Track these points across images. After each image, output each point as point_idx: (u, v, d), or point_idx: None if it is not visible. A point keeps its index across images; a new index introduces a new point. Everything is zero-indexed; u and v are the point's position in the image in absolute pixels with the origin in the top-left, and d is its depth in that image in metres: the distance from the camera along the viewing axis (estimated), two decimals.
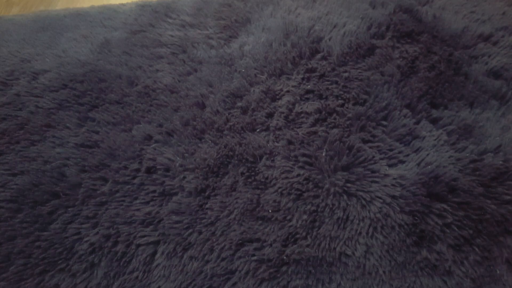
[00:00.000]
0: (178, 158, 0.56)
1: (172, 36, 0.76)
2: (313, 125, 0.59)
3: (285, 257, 0.47)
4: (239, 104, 0.63)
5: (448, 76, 0.63)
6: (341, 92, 0.63)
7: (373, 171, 0.53)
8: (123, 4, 0.86)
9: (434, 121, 0.58)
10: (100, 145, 0.59)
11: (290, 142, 0.58)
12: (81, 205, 0.53)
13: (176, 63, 0.70)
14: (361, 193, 0.51)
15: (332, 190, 0.51)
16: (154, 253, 0.49)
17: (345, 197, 0.50)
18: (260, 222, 0.50)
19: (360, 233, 0.48)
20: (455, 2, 0.77)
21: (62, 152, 0.59)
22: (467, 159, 0.53)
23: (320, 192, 0.51)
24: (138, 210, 0.52)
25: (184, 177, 0.55)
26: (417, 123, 0.58)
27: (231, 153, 0.57)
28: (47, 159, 0.58)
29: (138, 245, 0.50)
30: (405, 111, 0.59)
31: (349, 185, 0.51)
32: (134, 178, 0.55)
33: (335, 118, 0.59)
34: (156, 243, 0.50)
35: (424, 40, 0.69)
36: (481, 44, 0.67)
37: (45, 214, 0.53)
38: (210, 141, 0.59)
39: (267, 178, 0.54)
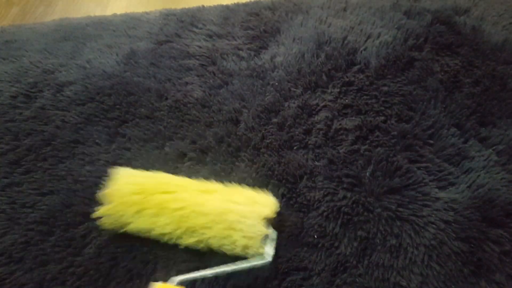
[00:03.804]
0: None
1: (200, 47, 0.73)
2: (354, 143, 0.57)
3: None
4: (274, 120, 0.61)
5: (495, 92, 0.60)
6: (382, 108, 0.60)
7: (424, 194, 0.50)
8: (146, 13, 0.84)
9: (483, 140, 0.56)
10: (133, 163, 0.56)
11: (331, 161, 0.55)
12: None
13: (206, 76, 0.68)
14: (413, 218, 0.48)
15: (384, 214, 0.48)
16: (195, 280, 0.47)
17: (398, 222, 0.48)
18: (305, 248, 0.48)
19: (414, 262, 0.45)
20: (493, 12, 0.74)
21: (92, 170, 0.56)
22: None
23: (371, 216, 0.48)
24: None
25: None
26: (465, 142, 0.55)
27: (270, 172, 0.55)
28: (77, 178, 0.56)
29: (178, 271, 0.47)
30: (453, 129, 0.56)
31: (401, 209, 0.49)
32: None
33: (377, 136, 0.57)
34: (196, 269, 0.47)
35: (464, 53, 0.67)
36: None
37: (78, 238, 0.50)
38: (247, 160, 0.56)
39: (309, 200, 0.52)
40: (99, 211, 0.47)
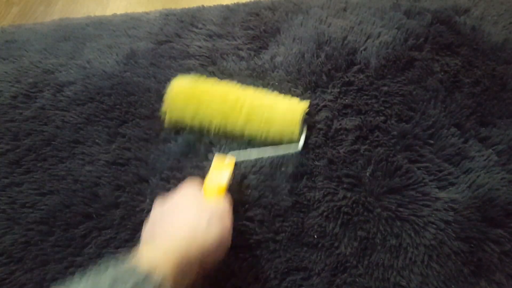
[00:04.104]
0: None
1: (200, 47, 0.73)
2: (354, 143, 0.57)
3: None
4: None
5: (495, 92, 0.60)
6: (382, 108, 0.60)
7: (424, 194, 0.50)
8: (146, 13, 0.84)
9: (483, 140, 0.56)
10: (133, 163, 0.56)
11: (331, 161, 0.55)
12: (117, 226, 0.50)
13: (206, 76, 0.68)
14: (413, 218, 0.48)
15: (384, 214, 0.48)
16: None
17: (398, 222, 0.48)
18: (305, 248, 0.48)
19: (414, 262, 0.45)
20: (493, 12, 0.74)
21: (92, 170, 0.56)
22: None
23: (371, 216, 0.48)
24: None
25: None
26: (465, 142, 0.55)
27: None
28: (77, 178, 0.56)
29: None
30: (453, 129, 0.56)
31: (401, 209, 0.49)
32: None
33: (377, 136, 0.57)
34: None
35: (464, 53, 0.67)
36: None
37: (78, 238, 0.50)
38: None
39: (309, 200, 0.52)
40: (164, 107, 0.57)
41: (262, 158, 0.54)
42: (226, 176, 0.47)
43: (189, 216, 0.38)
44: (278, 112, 0.53)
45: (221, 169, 0.48)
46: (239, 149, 0.56)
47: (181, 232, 0.37)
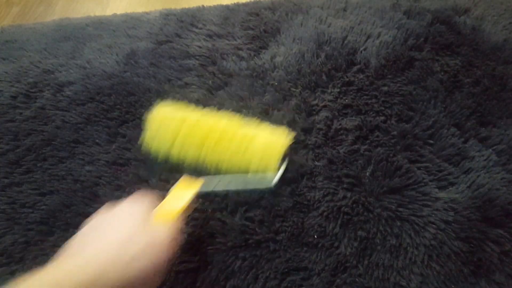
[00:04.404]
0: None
1: (200, 47, 0.73)
2: (354, 143, 0.57)
3: None
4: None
5: (495, 92, 0.60)
6: (382, 108, 0.60)
7: (424, 194, 0.50)
8: (146, 13, 0.84)
9: (483, 140, 0.56)
10: (133, 163, 0.56)
11: (331, 161, 0.55)
12: None
13: (206, 76, 0.68)
14: (413, 218, 0.48)
15: (384, 214, 0.48)
16: (194, 281, 0.47)
17: (398, 222, 0.48)
18: (305, 248, 0.48)
19: (414, 262, 0.45)
20: (492, 12, 0.74)
21: (92, 170, 0.56)
22: None
23: (371, 216, 0.48)
24: None
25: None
26: (465, 142, 0.55)
27: None
28: (77, 178, 0.56)
29: (178, 272, 0.47)
30: (453, 129, 0.56)
31: (401, 209, 0.49)
32: None
33: (377, 136, 0.57)
34: (196, 270, 0.47)
35: (464, 53, 0.67)
36: None
37: None
38: None
39: (309, 200, 0.52)
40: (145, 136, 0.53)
41: (231, 190, 0.50)
42: (185, 200, 0.42)
43: (118, 237, 0.32)
44: (258, 147, 0.48)
45: (183, 192, 0.43)
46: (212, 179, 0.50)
47: (100, 257, 0.30)
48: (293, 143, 0.53)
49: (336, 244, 0.48)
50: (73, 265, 0.29)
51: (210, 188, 0.48)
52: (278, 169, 0.49)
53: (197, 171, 0.50)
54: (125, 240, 0.32)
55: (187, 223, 0.49)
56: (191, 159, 0.50)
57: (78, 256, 0.31)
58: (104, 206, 0.38)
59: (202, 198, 0.51)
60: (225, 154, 0.49)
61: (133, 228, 0.33)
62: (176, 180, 0.47)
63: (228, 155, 0.49)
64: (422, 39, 0.69)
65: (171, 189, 0.44)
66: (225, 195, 0.51)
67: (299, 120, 0.60)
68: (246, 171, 0.48)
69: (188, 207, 0.42)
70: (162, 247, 0.34)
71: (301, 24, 0.76)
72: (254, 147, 0.48)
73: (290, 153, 0.53)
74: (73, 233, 0.31)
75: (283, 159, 0.50)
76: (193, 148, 0.50)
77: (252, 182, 0.49)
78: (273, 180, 0.49)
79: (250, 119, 0.55)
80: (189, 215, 0.49)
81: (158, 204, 0.40)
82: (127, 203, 0.37)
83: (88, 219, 0.36)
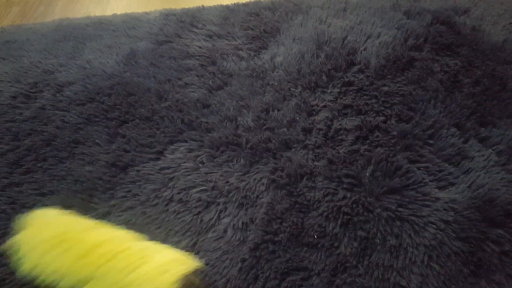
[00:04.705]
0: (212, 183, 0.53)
1: (200, 47, 0.73)
2: (354, 143, 0.57)
3: None
4: (274, 120, 0.61)
5: (495, 92, 0.60)
6: (382, 108, 0.60)
7: (424, 194, 0.50)
8: (146, 13, 0.84)
9: (483, 140, 0.56)
10: (129, 172, 0.56)
11: (331, 161, 0.55)
12: None
13: (206, 76, 0.68)
14: (413, 218, 0.48)
15: (384, 214, 0.48)
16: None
17: (398, 222, 0.48)
18: (305, 249, 0.48)
19: (414, 262, 0.45)
20: (492, 12, 0.74)
21: (92, 170, 0.56)
22: None
23: (371, 216, 0.48)
24: (175, 243, 0.49)
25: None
26: (465, 142, 0.55)
27: (269, 173, 0.54)
28: (77, 178, 0.56)
29: None
30: (452, 129, 0.56)
31: (401, 209, 0.49)
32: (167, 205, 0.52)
33: (377, 136, 0.57)
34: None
35: (464, 53, 0.67)
36: None
37: None
38: (247, 161, 0.56)
39: (309, 200, 0.52)
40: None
41: None
42: None
43: None
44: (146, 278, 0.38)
45: None
46: None
47: None
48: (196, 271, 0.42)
49: (336, 244, 0.48)
50: None
51: None
52: None
53: None
54: None
55: None
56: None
57: None
58: None
59: None
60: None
61: None
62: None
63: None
64: (422, 39, 0.69)
65: None
66: None
67: (299, 120, 0.60)
68: None
69: None
70: None
71: (301, 24, 0.76)
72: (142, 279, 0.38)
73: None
74: None
75: None
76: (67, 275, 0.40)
77: None
78: None
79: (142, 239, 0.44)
80: None
81: None
82: None
83: None
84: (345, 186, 0.52)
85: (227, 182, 0.53)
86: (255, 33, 0.75)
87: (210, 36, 0.76)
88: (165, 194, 0.52)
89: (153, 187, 0.53)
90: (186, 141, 0.58)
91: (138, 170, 0.55)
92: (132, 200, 0.52)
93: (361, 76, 0.65)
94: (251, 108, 0.62)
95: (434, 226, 0.48)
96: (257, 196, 0.52)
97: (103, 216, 0.51)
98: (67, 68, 0.72)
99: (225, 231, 0.49)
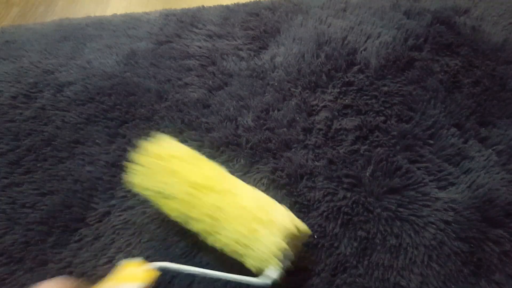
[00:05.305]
0: None
1: (200, 47, 0.73)
2: (354, 143, 0.57)
3: None
4: (274, 120, 0.61)
5: (495, 92, 0.60)
6: (382, 108, 0.60)
7: (424, 194, 0.50)
8: (146, 13, 0.84)
9: (483, 140, 0.56)
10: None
11: (331, 161, 0.55)
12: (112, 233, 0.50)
13: (206, 76, 0.68)
14: (413, 218, 0.48)
15: (384, 214, 0.48)
16: (191, 283, 0.46)
17: (398, 222, 0.48)
18: (305, 249, 0.48)
19: (414, 262, 0.45)
20: (493, 12, 0.74)
21: (92, 170, 0.56)
22: None
23: (371, 216, 0.48)
24: (175, 243, 0.49)
25: None
26: (465, 142, 0.55)
27: (270, 173, 0.54)
28: (77, 178, 0.56)
29: (173, 276, 0.47)
30: (453, 129, 0.56)
31: (401, 209, 0.49)
32: None
33: (377, 136, 0.57)
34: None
35: (464, 53, 0.67)
36: None
37: (77, 238, 0.50)
38: (247, 161, 0.56)
39: (309, 201, 0.52)
40: (133, 166, 0.44)
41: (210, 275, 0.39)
42: None
43: None
44: (262, 228, 0.38)
45: (125, 281, 0.33)
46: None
47: None
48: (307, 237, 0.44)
49: (336, 244, 0.48)
50: None
51: (179, 269, 0.38)
52: (282, 262, 0.38)
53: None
54: None
55: None
56: (177, 212, 0.43)
57: None
58: None
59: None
60: (220, 224, 0.40)
61: None
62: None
63: (221, 229, 0.40)
64: (422, 39, 0.69)
65: (104, 279, 0.34)
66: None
67: (299, 120, 0.60)
68: (238, 255, 0.40)
69: None
70: None
71: (301, 24, 0.76)
72: (253, 231, 0.38)
73: (299, 248, 0.43)
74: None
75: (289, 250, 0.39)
76: (183, 203, 0.42)
77: (242, 277, 0.38)
78: (270, 278, 0.37)
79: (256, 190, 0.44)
80: None
81: None
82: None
83: None
84: (345, 186, 0.52)
85: None
86: (255, 33, 0.75)
87: (210, 36, 0.76)
88: None
89: None
90: (186, 141, 0.58)
91: None
92: (132, 199, 0.52)
93: (361, 76, 0.65)
94: (251, 108, 0.62)
95: (434, 226, 0.48)
96: None
97: (103, 216, 0.52)
98: (67, 68, 0.72)
99: None
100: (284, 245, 0.38)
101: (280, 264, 0.38)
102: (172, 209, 0.43)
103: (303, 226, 0.41)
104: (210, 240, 0.41)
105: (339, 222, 0.49)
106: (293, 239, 0.39)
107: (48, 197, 0.54)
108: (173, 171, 0.43)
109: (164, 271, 0.39)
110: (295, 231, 0.39)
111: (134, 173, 0.44)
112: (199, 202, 0.41)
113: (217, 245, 0.41)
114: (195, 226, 0.42)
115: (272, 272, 0.37)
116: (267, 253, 0.37)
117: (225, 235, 0.39)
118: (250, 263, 0.39)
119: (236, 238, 0.39)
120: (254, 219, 0.39)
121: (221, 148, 0.57)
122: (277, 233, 0.38)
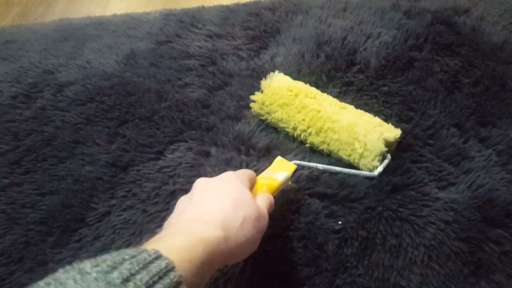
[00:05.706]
0: None
1: (200, 47, 0.73)
2: None
3: None
4: None
5: (495, 92, 0.60)
6: (382, 108, 0.60)
7: (424, 194, 0.50)
8: (146, 13, 0.84)
9: (483, 140, 0.56)
10: (129, 171, 0.56)
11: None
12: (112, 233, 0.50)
13: (206, 76, 0.68)
14: (413, 218, 0.48)
15: (385, 214, 0.48)
16: None
17: (398, 222, 0.48)
18: None
19: (414, 262, 0.45)
20: (492, 12, 0.74)
21: (92, 170, 0.56)
22: None
23: (372, 216, 0.48)
24: None
25: None
26: (465, 142, 0.55)
27: None
28: (77, 178, 0.56)
29: None
30: (453, 129, 0.56)
31: (401, 209, 0.49)
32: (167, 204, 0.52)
33: None
34: None
35: (464, 53, 0.67)
36: None
37: (77, 238, 0.50)
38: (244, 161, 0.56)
39: None
40: (255, 96, 0.58)
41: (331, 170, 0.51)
42: (282, 177, 0.45)
43: (224, 206, 0.33)
44: (358, 131, 0.50)
45: (279, 170, 0.46)
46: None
47: (213, 222, 0.32)
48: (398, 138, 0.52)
49: (342, 244, 0.47)
50: (190, 235, 0.30)
51: (308, 165, 0.51)
52: (383, 159, 0.50)
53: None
54: (231, 207, 0.33)
55: None
56: (296, 132, 0.54)
57: (193, 225, 0.32)
58: (198, 181, 0.38)
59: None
60: (330, 135, 0.51)
61: (235, 197, 0.35)
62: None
63: (331, 135, 0.51)
64: (422, 39, 0.69)
65: (267, 169, 0.47)
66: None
67: None
68: (348, 156, 0.51)
69: (284, 185, 0.45)
70: (263, 215, 0.36)
71: (301, 24, 0.76)
72: (358, 133, 0.50)
73: (395, 148, 0.54)
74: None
75: (388, 151, 0.51)
76: (299, 123, 0.54)
77: (354, 169, 0.50)
78: (377, 170, 0.49)
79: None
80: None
81: (247, 182, 0.39)
82: (223, 178, 0.38)
83: (195, 184, 0.37)
84: None
85: None
86: (255, 33, 0.75)
87: (210, 36, 0.76)
88: (165, 192, 0.52)
89: (154, 185, 0.53)
90: (186, 141, 0.58)
91: (138, 170, 0.55)
92: (132, 199, 0.52)
93: (361, 76, 0.65)
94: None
95: (434, 226, 0.48)
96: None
97: (103, 216, 0.52)
98: (67, 68, 0.72)
99: None
100: (384, 148, 0.49)
101: (384, 161, 0.50)
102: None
103: (395, 132, 0.52)
104: (320, 140, 0.53)
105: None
106: (388, 144, 0.51)
107: (48, 197, 0.54)
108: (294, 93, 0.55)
109: (298, 166, 0.50)
110: (391, 138, 0.51)
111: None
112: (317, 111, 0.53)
113: (328, 143, 0.52)
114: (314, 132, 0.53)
115: (379, 166, 0.49)
116: (374, 151, 0.49)
117: (339, 134, 0.51)
118: (362, 163, 0.50)
119: (351, 141, 0.50)
120: (363, 127, 0.50)
121: (221, 148, 0.57)
122: (381, 138, 0.49)
